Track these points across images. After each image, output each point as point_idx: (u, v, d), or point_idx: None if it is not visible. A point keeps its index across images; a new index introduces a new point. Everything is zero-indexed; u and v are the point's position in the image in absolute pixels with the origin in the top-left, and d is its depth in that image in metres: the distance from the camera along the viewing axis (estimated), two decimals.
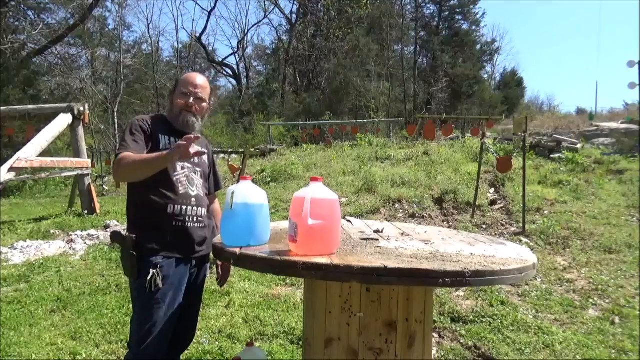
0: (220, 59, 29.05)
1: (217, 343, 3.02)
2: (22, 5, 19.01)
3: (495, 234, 5.94)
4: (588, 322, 3.48)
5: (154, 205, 1.81)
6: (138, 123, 1.87)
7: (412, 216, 6.70)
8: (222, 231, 1.58)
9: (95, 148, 15.23)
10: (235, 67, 27.60)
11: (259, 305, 3.68)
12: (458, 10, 30.65)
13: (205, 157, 2.06)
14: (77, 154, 8.10)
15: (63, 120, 7.66)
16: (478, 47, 31.46)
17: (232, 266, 1.74)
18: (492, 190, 7.88)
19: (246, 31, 27.70)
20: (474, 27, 31.24)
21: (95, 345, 3.01)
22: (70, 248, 5.60)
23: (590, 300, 3.92)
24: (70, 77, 19.24)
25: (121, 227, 6.37)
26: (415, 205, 7.01)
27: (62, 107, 8.05)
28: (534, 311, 3.68)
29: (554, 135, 11.06)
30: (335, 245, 1.44)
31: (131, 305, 1.90)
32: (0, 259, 5.10)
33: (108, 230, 6.33)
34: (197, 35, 26.69)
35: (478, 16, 30.80)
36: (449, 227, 6.01)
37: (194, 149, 1.60)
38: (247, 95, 24.64)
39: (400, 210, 6.92)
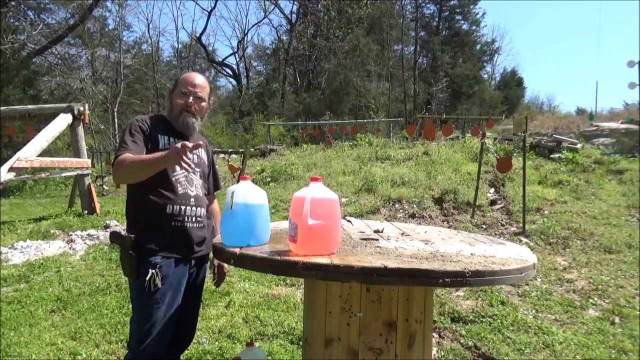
0: (220, 59, 29.12)
1: (217, 343, 3.02)
2: (22, 5, 19.02)
3: (495, 234, 5.93)
4: (588, 322, 3.48)
5: (153, 205, 1.81)
6: (137, 123, 1.87)
7: (412, 216, 6.70)
8: (222, 231, 1.58)
9: (95, 148, 15.22)
10: (235, 67, 27.66)
11: (259, 305, 3.68)
12: (458, 10, 30.67)
13: (204, 157, 2.06)
14: (77, 154, 8.10)
15: (63, 120, 7.66)
16: (478, 47, 31.49)
17: (231, 266, 1.74)
18: (492, 190, 7.88)
19: (246, 31, 27.76)
20: (474, 27, 31.29)
21: (95, 345, 3.01)
22: (70, 248, 5.60)
23: (590, 300, 3.92)
24: (70, 77, 19.25)
25: (121, 227, 6.37)
26: (415, 205, 7.01)
27: (62, 107, 8.04)
28: (534, 311, 3.68)
29: (554, 135, 11.06)
30: (335, 245, 1.43)
31: (131, 305, 1.90)
32: (0, 259, 5.10)
33: (108, 230, 6.33)
34: (197, 35, 26.74)
35: (478, 16, 30.88)
36: (449, 227, 6.01)
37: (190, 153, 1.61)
38: (247, 95, 24.64)
39: (400, 210, 6.92)
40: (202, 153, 2.05)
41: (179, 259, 1.85)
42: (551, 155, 9.62)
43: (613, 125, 13.58)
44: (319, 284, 1.54)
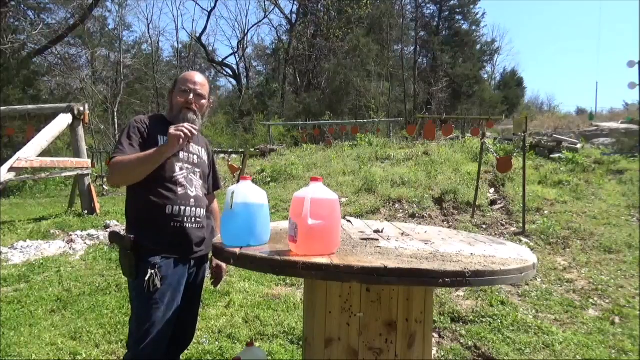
0: (220, 59, 29.14)
1: (217, 343, 3.02)
2: (22, 5, 19.02)
3: (495, 234, 5.93)
4: (588, 322, 3.48)
5: (153, 205, 1.81)
6: (135, 125, 1.86)
7: (412, 216, 6.70)
8: (222, 231, 1.58)
9: (95, 148, 15.22)
10: (235, 67, 27.68)
11: (259, 305, 3.68)
12: (458, 10, 30.66)
13: (205, 157, 2.06)
14: (77, 154, 8.10)
15: (63, 120, 7.66)
16: (478, 47, 31.48)
17: (231, 266, 1.74)
18: (492, 190, 7.88)
19: (246, 31, 27.78)
20: (474, 27, 31.28)
21: (95, 345, 3.01)
22: (70, 248, 5.60)
23: (590, 300, 3.92)
24: (70, 77, 19.25)
25: (121, 227, 6.37)
26: (415, 205, 7.01)
27: (62, 107, 8.04)
28: (534, 311, 3.68)
29: (554, 135, 11.06)
30: (335, 245, 1.43)
31: (130, 305, 1.90)
32: (0, 259, 5.10)
33: (108, 230, 6.32)
34: (197, 35, 26.75)
35: (478, 16, 30.87)
36: (449, 227, 6.01)
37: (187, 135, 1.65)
38: (247, 95, 24.64)
39: (400, 210, 6.92)
40: (203, 153, 2.05)
41: (178, 260, 1.84)
42: (551, 155, 9.62)
43: (613, 125, 13.58)
44: (319, 284, 1.54)
